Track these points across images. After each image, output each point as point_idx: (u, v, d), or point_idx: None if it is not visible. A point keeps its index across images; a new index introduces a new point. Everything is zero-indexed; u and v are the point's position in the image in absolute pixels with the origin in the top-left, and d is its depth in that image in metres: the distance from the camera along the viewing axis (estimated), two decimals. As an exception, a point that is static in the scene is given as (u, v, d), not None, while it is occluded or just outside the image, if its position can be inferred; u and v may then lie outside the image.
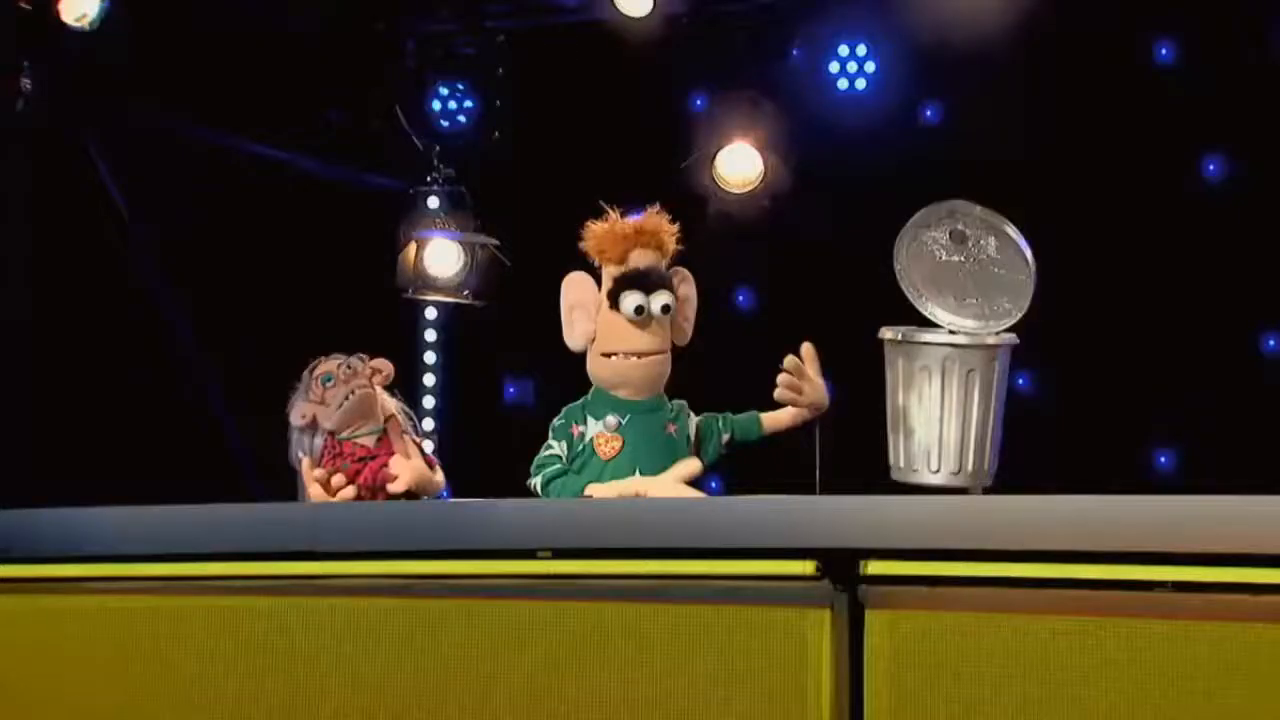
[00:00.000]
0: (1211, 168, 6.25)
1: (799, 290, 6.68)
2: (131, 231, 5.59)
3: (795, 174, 6.20)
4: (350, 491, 3.50)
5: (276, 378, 6.26)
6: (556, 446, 3.64)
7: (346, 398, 3.57)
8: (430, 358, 7.71)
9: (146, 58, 5.55)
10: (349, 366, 3.59)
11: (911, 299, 3.08)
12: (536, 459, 3.65)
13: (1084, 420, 6.13)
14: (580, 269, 3.68)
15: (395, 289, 7.13)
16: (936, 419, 3.02)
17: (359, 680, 2.67)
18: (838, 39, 6.18)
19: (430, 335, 7.74)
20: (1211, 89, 6.15)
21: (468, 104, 7.14)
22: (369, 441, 3.64)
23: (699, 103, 6.69)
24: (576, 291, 3.65)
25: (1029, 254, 3.08)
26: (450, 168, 6.48)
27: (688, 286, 3.67)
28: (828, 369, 3.68)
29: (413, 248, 6.34)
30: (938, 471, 3.06)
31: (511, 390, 7.64)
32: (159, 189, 5.77)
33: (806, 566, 2.37)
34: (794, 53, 6.27)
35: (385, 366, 3.65)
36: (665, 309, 3.58)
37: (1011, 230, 3.10)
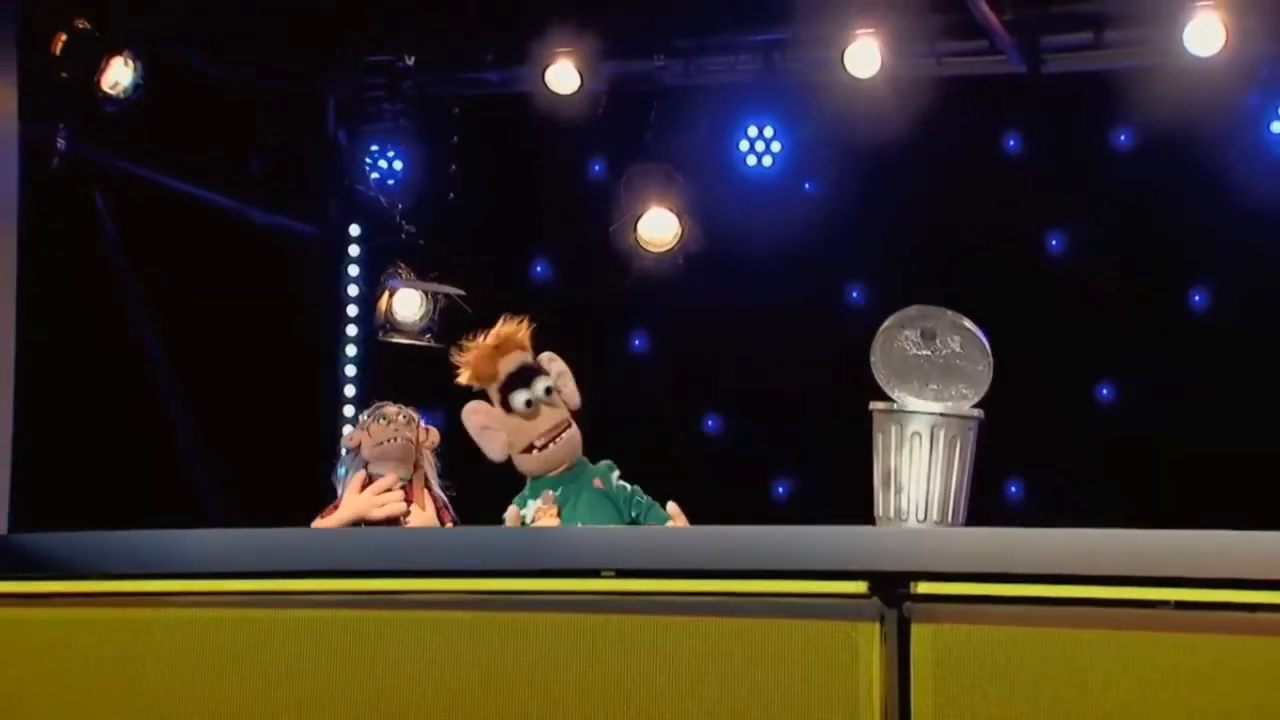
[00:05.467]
0: (1054, 243, 6.59)
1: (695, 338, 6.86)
2: (121, 276, 5.53)
3: (706, 237, 6.37)
4: (393, 497, 3.60)
5: (213, 407, 6.22)
6: None
7: (390, 440, 3.64)
8: (350, 390, 7.68)
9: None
10: (406, 417, 3.68)
11: (883, 386, 3.24)
12: None
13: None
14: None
15: (314, 326, 7.18)
16: (924, 476, 3.15)
17: (439, 685, 2.68)
18: (748, 121, 6.37)
19: (350, 370, 7.73)
20: (1054, 176, 6.50)
21: (397, 164, 7.15)
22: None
23: (618, 172, 6.81)
24: (479, 417, 3.76)
25: (988, 347, 3.26)
26: (411, 224, 6.49)
27: (557, 364, 3.81)
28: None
29: (385, 295, 6.35)
30: (924, 520, 3.19)
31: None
32: (141, 237, 5.74)
33: (859, 586, 2.48)
34: (704, 130, 6.44)
35: (433, 435, 3.77)
36: (548, 390, 3.72)
37: (971, 326, 3.27)
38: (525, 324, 3.78)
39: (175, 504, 5.92)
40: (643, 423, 6.36)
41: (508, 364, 3.73)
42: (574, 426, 3.77)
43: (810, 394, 6.51)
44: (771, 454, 6.74)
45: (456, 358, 3.78)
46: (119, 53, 5.22)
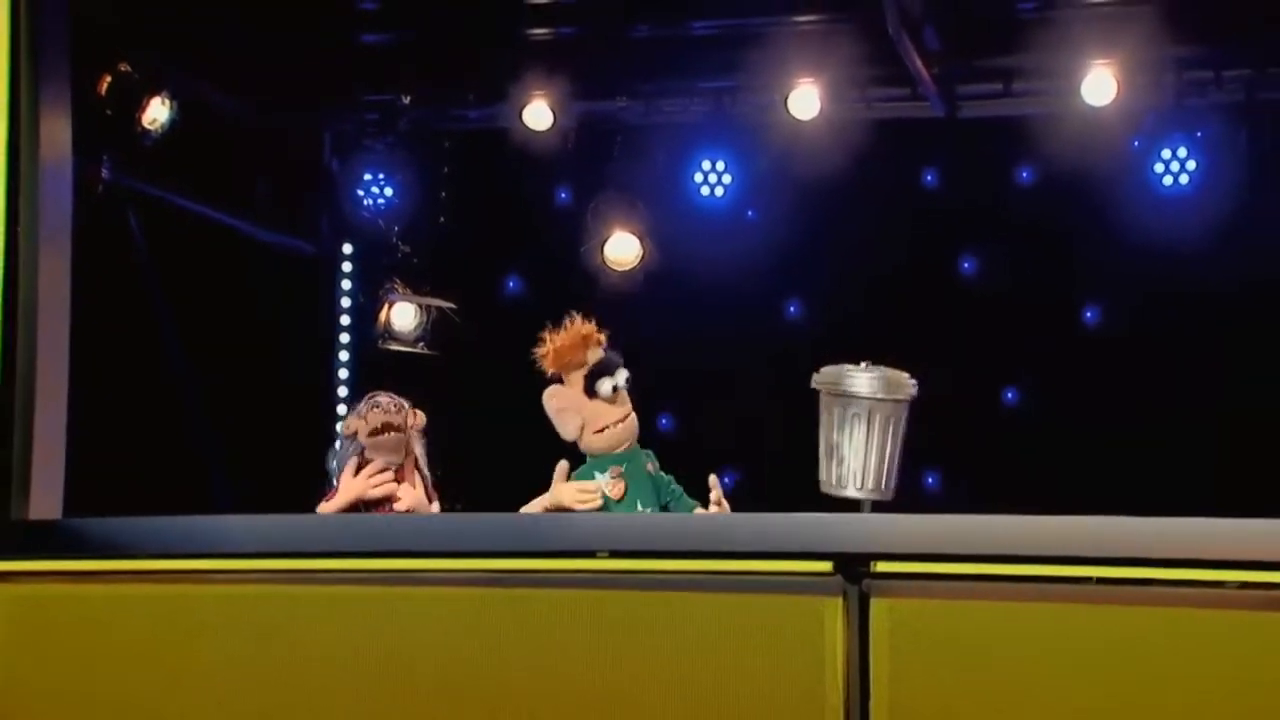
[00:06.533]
0: (966, 265, 6.69)
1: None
2: (150, 286, 5.50)
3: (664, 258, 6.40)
4: (386, 478, 3.61)
5: (225, 400, 6.18)
6: None
7: (384, 431, 3.63)
8: (343, 391, 7.66)
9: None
10: (396, 405, 3.67)
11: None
12: None
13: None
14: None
15: (314, 334, 7.17)
16: (863, 451, 3.20)
17: (453, 653, 2.68)
18: (701, 156, 6.42)
19: (343, 373, 7.71)
20: (966, 207, 6.59)
21: (388, 191, 7.13)
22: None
23: (585, 199, 6.80)
24: (558, 400, 3.76)
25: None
26: (407, 244, 6.47)
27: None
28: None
29: (384, 307, 6.33)
30: (861, 488, 3.24)
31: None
32: (167, 253, 5.74)
33: (824, 565, 2.51)
34: (662, 164, 6.47)
35: (420, 418, 3.76)
36: (627, 380, 3.76)
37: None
38: (596, 323, 3.81)
39: (188, 489, 5.88)
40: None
41: (594, 355, 3.75)
42: (634, 414, 3.78)
43: (753, 395, 6.55)
44: (718, 448, 6.75)
45: (541, 347, 3.74)
46: (157, 92, 5.21)
